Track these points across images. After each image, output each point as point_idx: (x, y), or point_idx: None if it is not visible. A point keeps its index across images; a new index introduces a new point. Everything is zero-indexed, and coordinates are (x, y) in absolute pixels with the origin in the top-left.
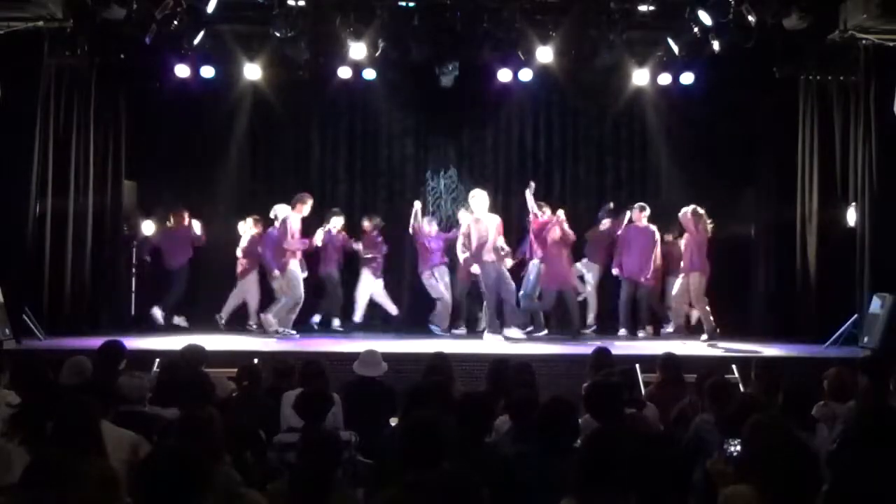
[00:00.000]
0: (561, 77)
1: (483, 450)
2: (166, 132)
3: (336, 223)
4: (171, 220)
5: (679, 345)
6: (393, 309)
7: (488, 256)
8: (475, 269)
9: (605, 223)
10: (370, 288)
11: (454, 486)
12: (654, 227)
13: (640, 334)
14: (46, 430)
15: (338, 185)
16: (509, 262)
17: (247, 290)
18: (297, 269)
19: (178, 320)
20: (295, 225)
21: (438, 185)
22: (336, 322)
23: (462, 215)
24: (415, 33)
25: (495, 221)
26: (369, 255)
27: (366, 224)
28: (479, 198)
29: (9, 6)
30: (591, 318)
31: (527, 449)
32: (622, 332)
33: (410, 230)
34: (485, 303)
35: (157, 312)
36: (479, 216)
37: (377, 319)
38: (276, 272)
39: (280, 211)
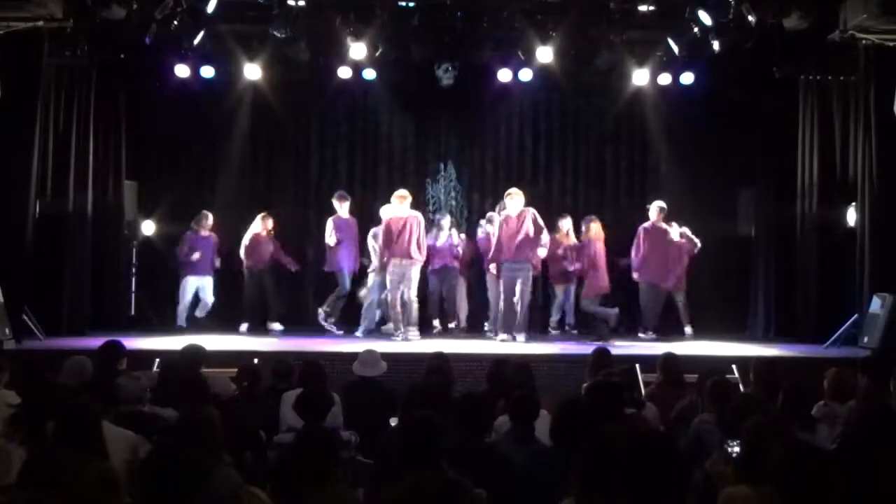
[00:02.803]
0: (561, 77)
1: (483, 450)
2: (166, 132)
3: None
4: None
5: (679, 345)
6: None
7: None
8: (493, 268)
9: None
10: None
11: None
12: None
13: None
14: (46, 430)
15: (337, 185)
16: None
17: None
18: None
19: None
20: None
21: (437, 185)
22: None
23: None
24: (415, 33)
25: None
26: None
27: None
28: (516, 196)
29: (9, 6)
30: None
31: (527, 449)
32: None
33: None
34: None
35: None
36: (511, 214)
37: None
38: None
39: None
